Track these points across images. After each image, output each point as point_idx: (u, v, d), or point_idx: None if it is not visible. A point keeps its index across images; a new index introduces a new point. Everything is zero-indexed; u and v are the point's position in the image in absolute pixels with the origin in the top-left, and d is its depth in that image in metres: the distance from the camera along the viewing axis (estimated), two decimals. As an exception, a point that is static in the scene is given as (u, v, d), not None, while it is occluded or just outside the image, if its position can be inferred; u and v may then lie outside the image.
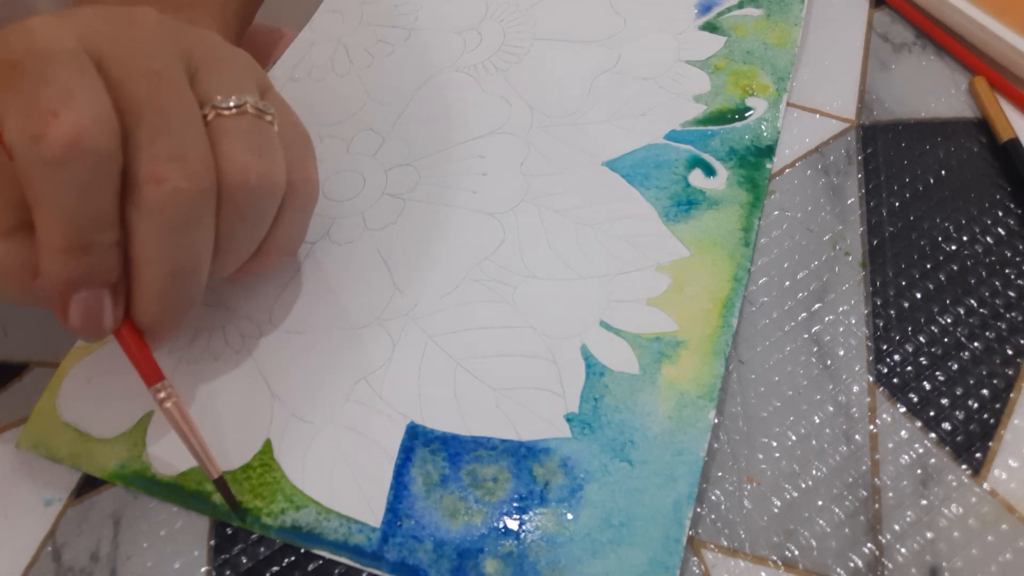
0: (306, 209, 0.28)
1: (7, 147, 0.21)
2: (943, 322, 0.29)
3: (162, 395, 0.24)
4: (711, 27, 0.37)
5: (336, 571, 0.25)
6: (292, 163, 0.26)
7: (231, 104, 0.24)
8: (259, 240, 0.26)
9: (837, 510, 0.25)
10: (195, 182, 0.22)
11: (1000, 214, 0.31)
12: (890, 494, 0.25)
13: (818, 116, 0.35)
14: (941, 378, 0.27)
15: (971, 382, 0.27)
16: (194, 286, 0.24)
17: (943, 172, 0.32)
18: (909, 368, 0.28)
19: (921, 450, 0.26)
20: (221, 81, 0.24)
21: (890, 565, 0.24)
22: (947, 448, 0.26)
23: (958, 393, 0.27)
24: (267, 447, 0.27)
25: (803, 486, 0.26)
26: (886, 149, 0.33)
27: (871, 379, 0.28)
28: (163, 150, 0.22)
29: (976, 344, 0.28)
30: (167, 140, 0.22)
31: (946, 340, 0.28)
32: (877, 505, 0.25)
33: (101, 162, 0.21)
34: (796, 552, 0.25)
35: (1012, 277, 0.29)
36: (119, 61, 0.22)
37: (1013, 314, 0.29)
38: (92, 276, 0.22)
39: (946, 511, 0.25)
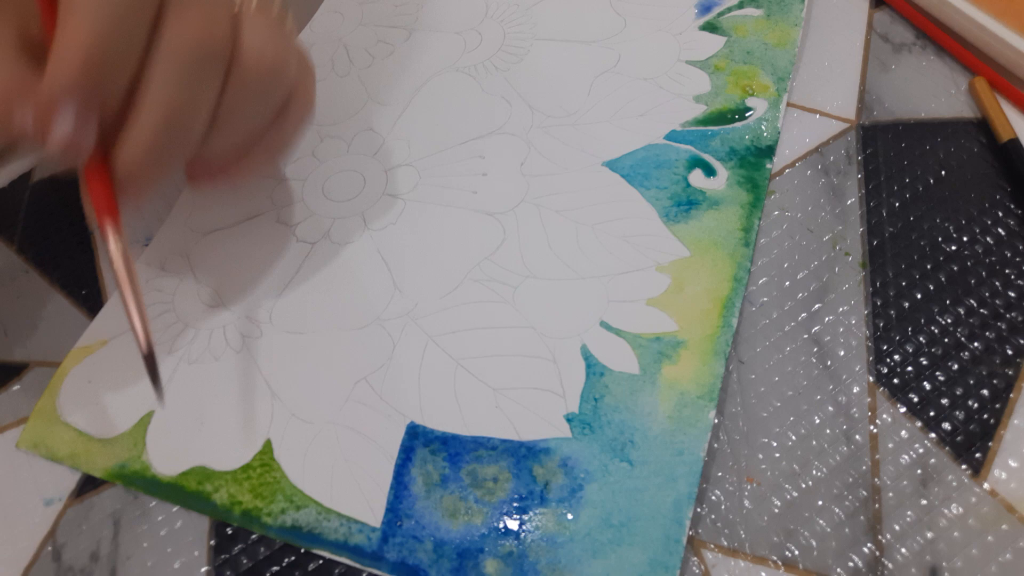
0: (304, 118, 0.29)
1: None
2: (943, 322, 0.29)
3: (112, 237, 0.24)
4: (711, 27, 0.37)
5: (336, 571, 0.25)
6: (298, 77, 0.27)
7: (256, 2, 0.26)
8: (256, 126, 0.27)
9: (837, 510, 0.25)
10: (214, 41, 0.24)
11: (1000, 214, 0.31)
12: (890, 494, 0.25)
13: (818, 116, 0.35)
14: (941, 378, 0.27)
15: (971, 382, 0.27)
16: (182, 143, 0.25)
17: (943, 172, 0.32)
18: (909, 368, 0.28)
19: (921, 450, 0.26)
20: None
21: (890, 565, 0.24)
22: (947, 448, 0.26)
23: (958, 393, 0.27)
24: (267, 447, 0.27)
25: (803, 486, 0.26)
26: (886, 149, 0.33)
27: (871, 379, 0.28)
28: (192, 8, 0.23)
29: (976, 344, 0.28)
30: (199, 3, 0.24)
31: (946, 340, 0.28)
32: (877, 505, 0.25)
33: None
34: (796, 552, 0.25)
35: (1012, 277, 0.29)
36: None
37: (1013, 314, 0.29)
38: (95, 95, 0.23)
39: (946, 511, 0.25)
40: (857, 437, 0.26)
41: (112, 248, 0.24)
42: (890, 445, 0.26)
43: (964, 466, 0.26)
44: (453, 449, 0.27)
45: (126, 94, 0.23)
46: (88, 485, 0.27)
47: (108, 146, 0.24)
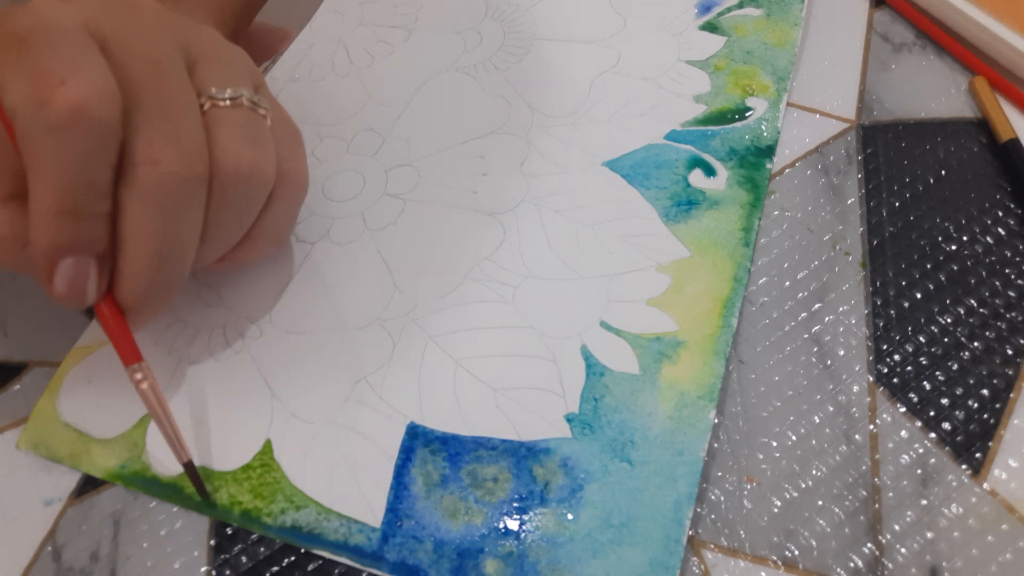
0: (295, 200, 0.28)
1: (8, 112, 0.21)
2: (943, 322, 0.29)
3: (138, 376, 0.25)
4: (711, 27, 0.37)
5: (336, 571, 0.25)
6: (283, 155, 0.27)
7: (227, 96, 0.25)
8: (246, 228, 0.26)
9: (837, 510, 0.25)
10: (188, 166, 0.23)
11: (1000, 214, 0.31)
12: (890, 494, 0.25)
13: (818, 116, 0.35)
14: (941, 378, 0.27)
15: (971, 382, 0.27)
16: (178, 269, 0.24)
17: (943, 172, 0.32)
18: (909, 368, 0.28)
19: (921, 450, 0.26)
20: (218, 73, 0.25)
21: (890, 565, 0.24)
22: (947, 448, 0.26)
23: (958, 393, 0.27)
24: (267, 447, 0.27)
25: (803, 486, 0.26)
26: (886, 149, 0.33)
27: (871, 379, 0.28)
28: (160, 133, 0.22)
29: (976, 344, 0.28)
30: (164, 124, 0.23)
31: (946, 340, 0.28)
32: (877, 505, 0.25)
33: (102, 133, 0.21)
34: (796, 552, 0.25)
35: (1012, 277, 0.29)
36: (121, 45, 0.23)
37: (1013, 314, 0.29)
38: (81, 243, 0.23)
39: (946, 511, 0.25)
40: (857, 437, 0.26)
41: (143, 392, 0.25)
42: (890, 445, 0.26)
43: (964, 466, 0.26)
44: (453, 449, 0.27)
45: (114, 226, 0.23)
46: (88, 485, 0.27)
47: (112, 281, 0.24)
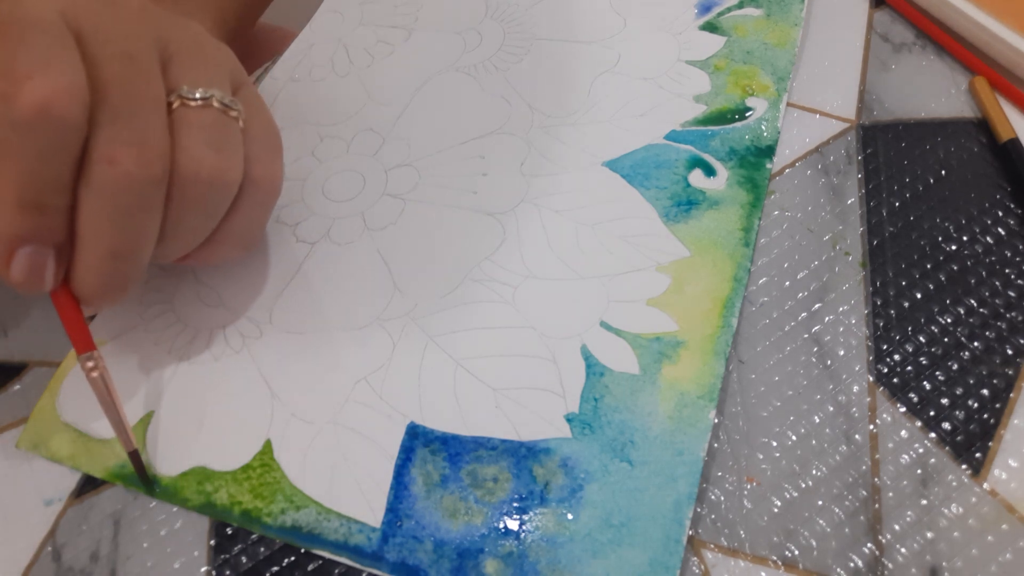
0: (265, 205, 0.28)
1: None
2: (943, 322, 0.29)
3: (89, 364, 0.25)
4: (711, 27, 0.37)
5: (336, 571, 0.25)
6: (257, 158, 0.26)
7: (197, 96, 0.24)
8: (208, 231, 0.26)
9: (837, 510, 0.25)
10: (147, 169, 0.23)
11: (1000, 214, 0.31)
12: (890, 494, 0.25)
13: (818, 116, 0.35)
14: (941, 378, 0.27)
15: (971, 382, 0.27)
16: (134, 267, 0.24)
17: (943, 172, 0.32)
18: (909, 368, 0.28)
19: (921, 450, 0.26)
20: (192, 72, 0.25)
21: (890, 565, 0.24)
22: (947, 448, 0.26)
23: (958, 393, 0.27)
24: (267, 447, 0.27)
25: (803, 486, 0.26)
26: (886, 149, 0.33)
27: (871, 379, 0.28)
28: (122, 133, 0.22)
29: (976, 344, 0.28)
30: (127, 124, 0.23)
31: (946, 340, 0.28)
32: (877, 505, 0.25)
33: (66, 131, 0.21)
34: (796, 552, 0.25)
35: (1012, 277, 0.29)
36: (96, 39, 0.23)
37: (1013, 314, 0.29)
38: (40, 234, 0.23)
39: (946, 511, 0.25)
40: (857, 437, 0.26)
41: (93, 380, 0.25)
42: (890, 445, 0.26)
43: (964, 466, 0.26)
44: (453, 449, 0.27)
45: (73, 221, 0.23)
46: (88, 485, 0.27)
47: (68, 272, 0.24)
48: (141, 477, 0.26)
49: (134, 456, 0.26)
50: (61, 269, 0.24)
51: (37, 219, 0.22)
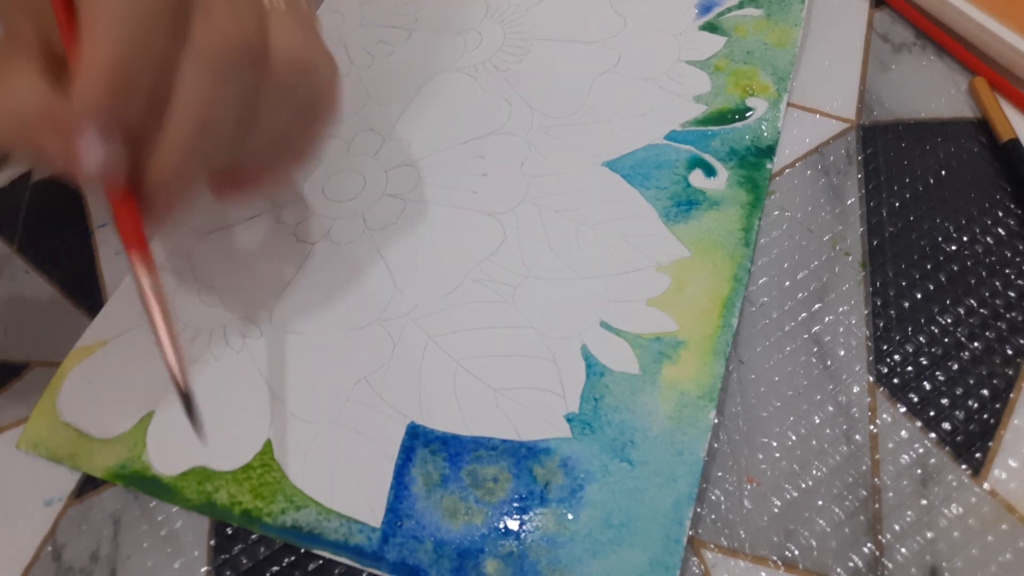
0: (328, 118, 0.28)
1: None
2: (943, 322, 0.29)
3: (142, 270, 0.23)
4: (711, 27, 0.37)
5: (336, 571, 0.25)
6: (324, 74, 0.27)
7: None
8: (285, 130, 0.26)
9: (837, 510, 0.25)
10: (247, 34, 0.23)
11: (1000, 214, 0.31)
12: (890, 494, 0.25)
13: (818, 116, 0.35)
14: (941, 378, 0.27)
15: (971, 382, 0.27)
16: (217, 145, 0.24)
17: (943, 172, 0.32)
18: (909, 368, 0.28)
19: (921, 450, 0.26)
20: None
21: (890, 565, 0.24)
22: (947, 448, 0.26)
23: (958, 393, 0.27)
24: (267, 447, 0.27)
25: (803, 486, 0.26)
26: (886, 149, 0.33)
27: (871, 379, 0.28)
28: (223, 5, 0.23)
29: (976, 344, 0.28)
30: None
31: (946, 340, 0.28)
32: (877, 505, 0.25)
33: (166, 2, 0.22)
34: (796, 552, 0.25)
35: (1012, 277, 0.29)
36: None
37: (1013, 314, 0.29)
38: (122, 110, 0.22)
39: (946, 511, 0.25)
40: (857, 437, 0.27)
41: (142, 283, 0.23)
42: (890, 445, 0.26)
43: (964, 466, 0.26)
44: (453, 449, 0.27)
45: (154, 105, 0.23)
46: (88, 485, 0.27)
47: (135, 168, 0.23)
48: (191, 418, 0.23)
49: (187, 401, 0.23)
50: (127, 159, 0.23)
51: (128, 96, 0.22)
